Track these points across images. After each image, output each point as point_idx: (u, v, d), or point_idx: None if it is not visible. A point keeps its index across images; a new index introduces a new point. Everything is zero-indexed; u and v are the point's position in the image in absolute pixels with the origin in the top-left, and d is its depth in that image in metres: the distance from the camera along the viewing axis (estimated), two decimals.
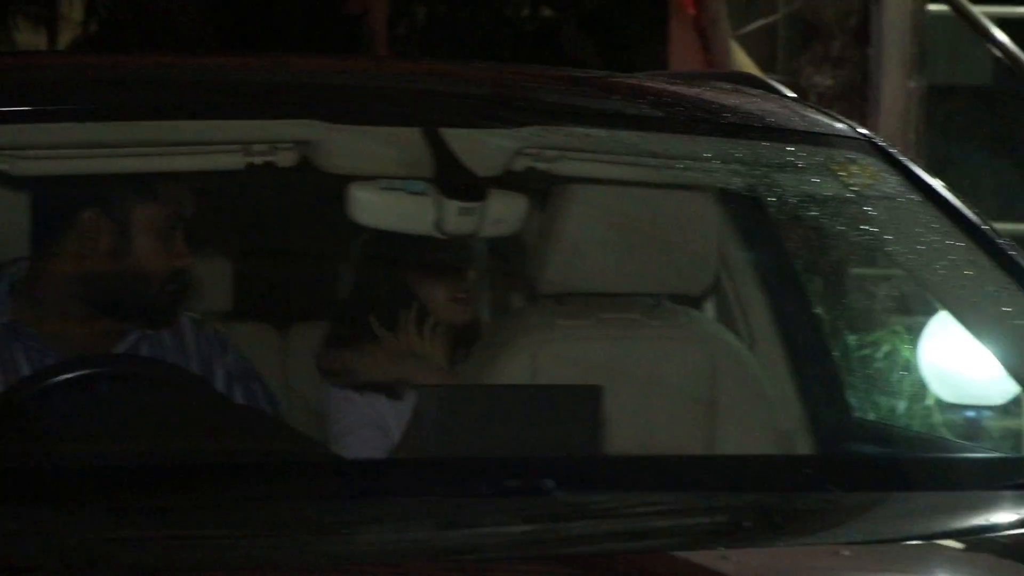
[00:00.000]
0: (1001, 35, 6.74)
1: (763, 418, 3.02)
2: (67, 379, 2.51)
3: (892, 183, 2.69)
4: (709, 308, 3.27)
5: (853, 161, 2.72)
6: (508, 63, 6.29)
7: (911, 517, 2.27)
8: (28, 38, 11.24)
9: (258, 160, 2.66)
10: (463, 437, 2.38)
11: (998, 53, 6.67)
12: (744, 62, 6.75)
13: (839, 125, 2.81)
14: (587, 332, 2.99)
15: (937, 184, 2.71)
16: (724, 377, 3.01)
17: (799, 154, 2.72)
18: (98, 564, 1.94)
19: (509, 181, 2.73)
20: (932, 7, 7.34)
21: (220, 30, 10.49)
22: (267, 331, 3.31)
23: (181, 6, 10.38)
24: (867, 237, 2.72)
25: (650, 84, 2.85)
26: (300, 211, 3.16)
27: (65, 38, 11.29)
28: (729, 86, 2.95)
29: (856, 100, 7.62)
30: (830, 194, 2.71)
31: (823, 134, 2.77)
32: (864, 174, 2.71)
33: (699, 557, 2.06)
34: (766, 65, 7.82)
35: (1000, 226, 3.52)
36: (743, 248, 3.21)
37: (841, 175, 2.71)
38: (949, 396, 5.70)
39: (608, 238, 2.95)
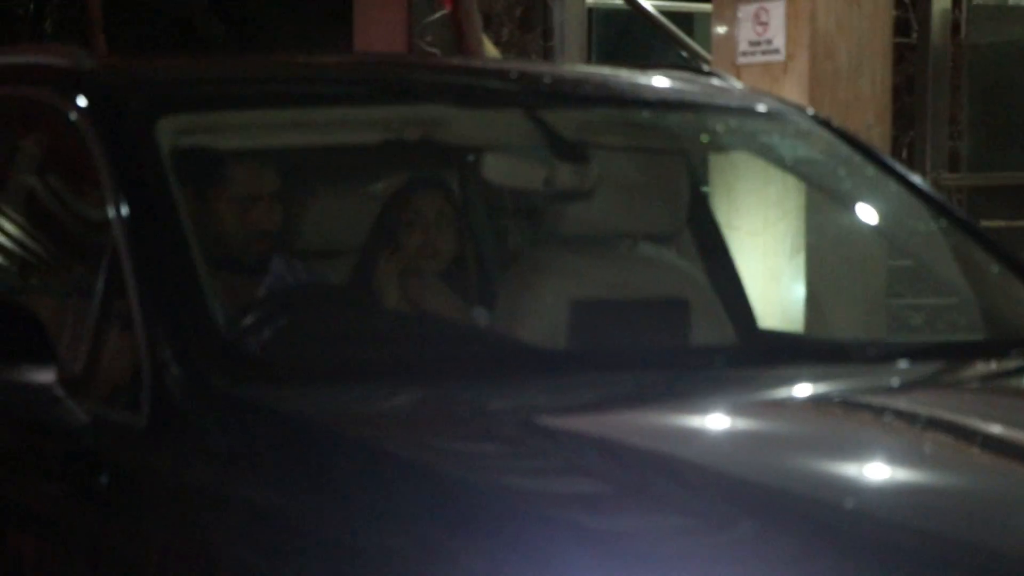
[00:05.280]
0: (672, 26, 7.97)
1: (720, 317, 4.03)
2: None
3: (842, 147, 3.78)
4: None
5: (809, 132, 3.79)
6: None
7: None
8: None
9: (392, 136, 3.52)
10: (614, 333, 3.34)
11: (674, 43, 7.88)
12: (491, 51, 7.72)
13: (792, 105, 3.88)
14: (591, 262, 3.92)
15: (871, 147, 3.82)
16: (689, 290, 4.00)
17: (769, 126, 3.77)
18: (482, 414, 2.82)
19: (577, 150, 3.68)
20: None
21: None
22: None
23: None
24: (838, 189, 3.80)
25: (653, 77, 3.84)
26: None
27: None
28: (688, 75, 3.98)
29: None
30: (801, 155, 3.78)
31: (784, 111, 3.82)
32: (821, 141, 3.78)
33: None
34: (447, 49, 8.83)
35: None
36: None
37: (806, 141, 3.77)
38: None
39: (611, 193, 3.90)
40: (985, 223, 8.78)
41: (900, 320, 7.63)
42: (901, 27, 9.28)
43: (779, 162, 3.98)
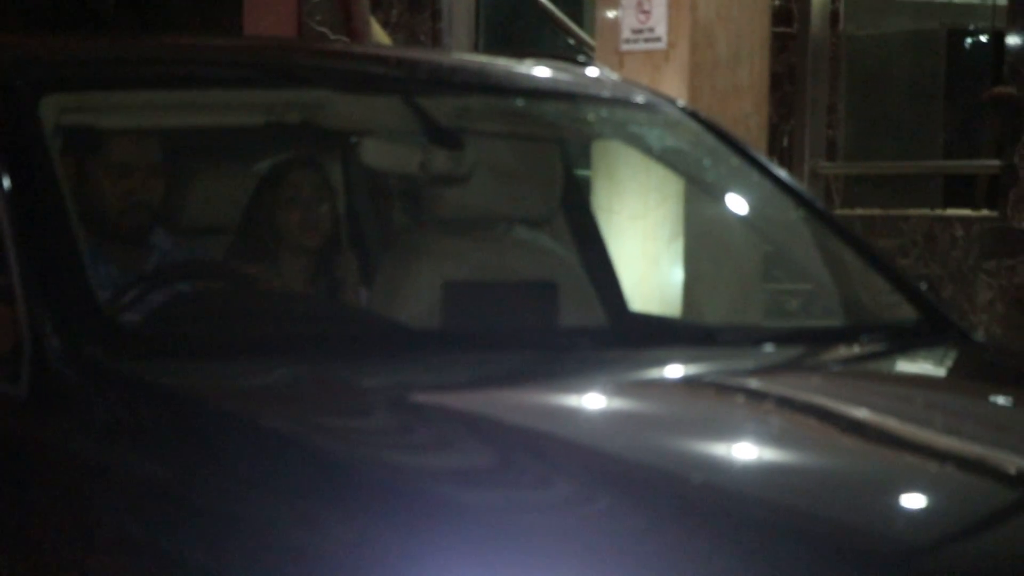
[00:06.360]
0: (558, 12, 8.08)
1: (590, 300, 4.16)
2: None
3: (709, 138, 3.92)
4: None
5: (677, 123, 3.93)
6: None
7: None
8: None
9: (274, 118, 3.62)
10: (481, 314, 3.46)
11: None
12: (379, 32, 7.80)
13: (662, 97, 4.01)
14: (467, 245, 4.05)
15: (736, 138, 3.96)
16: (561, 273, 4.13)
17: (639, 116, 3.90)
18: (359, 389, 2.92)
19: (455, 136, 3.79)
20: None
21: None
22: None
23: None
24: (704, 178, 3.94)
25: (530, 67, 3.96)
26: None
27: None
28: (564, 64, 4.10)
29: None
30: (668, 145, 3.91)
31: (654, 101, 3.95)
32: (689, 131, 3.92)
33: None
34: (336, 29, 8.90)
35: None
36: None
37: (674, 132, 3.91)
38: None
39: (486, 178, 4.01)
40: (861, 211, 9.00)
41: (776, 304, 7.82)
42: (783, 17, 9.47)
43: (648, 151, 4.12)
